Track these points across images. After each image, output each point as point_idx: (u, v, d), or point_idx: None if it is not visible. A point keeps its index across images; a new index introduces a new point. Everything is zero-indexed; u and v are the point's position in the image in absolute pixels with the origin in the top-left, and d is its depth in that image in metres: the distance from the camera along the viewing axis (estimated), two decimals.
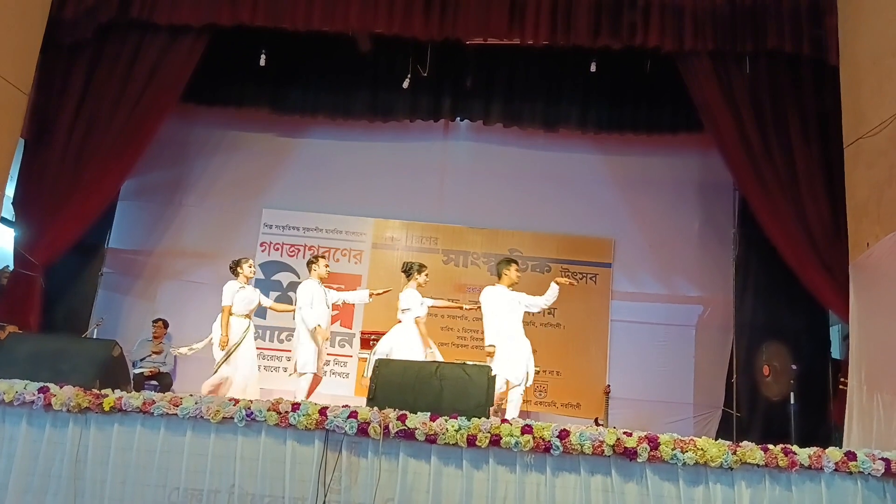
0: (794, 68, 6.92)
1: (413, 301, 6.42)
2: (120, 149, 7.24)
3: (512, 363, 6.11)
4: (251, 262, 6.92)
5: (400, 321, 6.47)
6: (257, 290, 7.01)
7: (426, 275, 6.59)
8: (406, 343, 6.30)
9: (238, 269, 6.77)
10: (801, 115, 6.84)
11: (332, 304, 6.87)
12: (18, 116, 6.92)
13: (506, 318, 6.26)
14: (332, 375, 8.21)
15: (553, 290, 6.41)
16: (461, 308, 7.42)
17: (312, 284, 6.62)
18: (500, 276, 6.47)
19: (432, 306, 6.74)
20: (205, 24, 7.17)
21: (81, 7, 7.24)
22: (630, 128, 8.42)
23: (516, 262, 6.53)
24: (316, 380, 6.60)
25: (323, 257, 6.92)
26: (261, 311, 7.98)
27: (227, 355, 6.50)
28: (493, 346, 6.19)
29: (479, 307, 6.45)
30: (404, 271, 6.66)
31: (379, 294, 7.00)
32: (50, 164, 7.18)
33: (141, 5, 7.15)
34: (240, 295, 6.68)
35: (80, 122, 7.25)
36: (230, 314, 6.59)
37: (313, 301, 6.51)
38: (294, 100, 8.56)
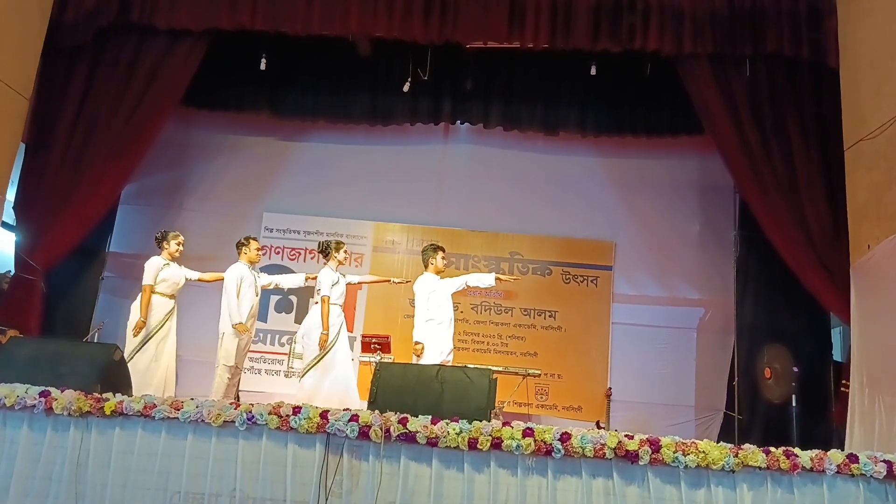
0: (794, 71, 6.93)
1: (324, 280, 6.46)
2: (120, 152, 7.25)
3: (441, 347, 6.36)
4: (180, 238, 6.63)
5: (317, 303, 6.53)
6: (183, 267, 6.73)
7: (345, 251, 6.67)
8: (315, 325, 6.40)
9: (166, 244, 6.51)
10: (801, 118, 6.84)
11: (263, 287, 6.80)
12: (19, 120, 6.93)
13: (435, 306, 6.46)
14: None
15: (489, 278, 6.87)
16: (389, 282, 7.48)
17: (241, 268, 6.53)
18: (426, 265, 6.66)
19: (359, 282, 7.02)
20: (205, 28, 7.18)
21: (81, 11, 7.24)
22: (630, 130, 8.42)
23: (443, 250, 6.72)
24: (236, 373, 6.53)
25: (255, 239, 6.80)
26: (262, 314, 8.00)
27: (144, 342, 6.24)
28: (421, 344, 6.37)
29: (408, 282, 6.88)
30: (321, 251, 6.68)
31: (399, 283, 7.17)
32: (50, 167, 7.19)
33: (141, 9, 7.15)
34: (164, 273, 6.42)
35: (80, 126, 7.26)
36: (151, 293, 6.33)
37: (241, 287, 6.43)
38: (294, 103, 8.56)
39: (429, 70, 7.79)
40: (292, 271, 8.32)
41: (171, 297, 6.50)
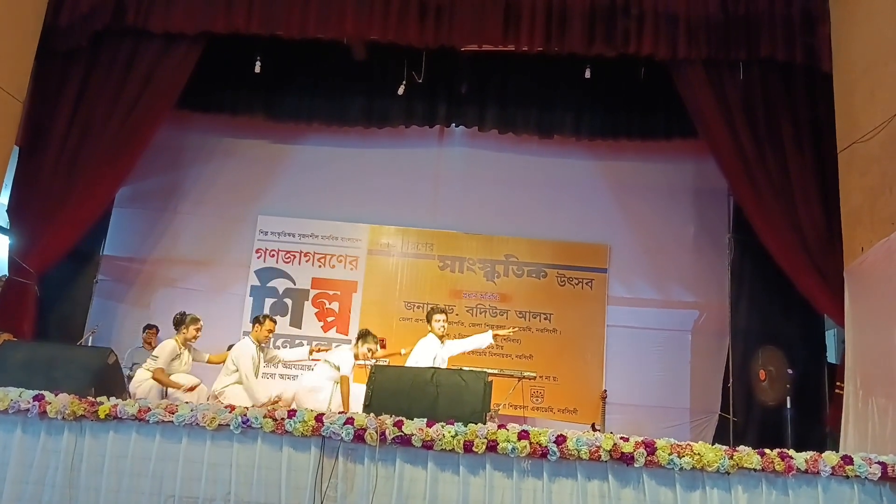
0: (788, 76, 6.96)
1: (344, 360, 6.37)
2: (115, 156, 7.24)
3: None
4: (199, 324, 6.38)
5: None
6: (194, 349, 6.50)
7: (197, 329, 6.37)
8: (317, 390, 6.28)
9: (184, 328, 6.30)
10: (795, 122, 6.88)
11: (266, 361, 6.65)
12: (13, 124, 6.92)
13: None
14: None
15: (486, 338, 6.68)
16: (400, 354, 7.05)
17: (251, 348, 6.35)
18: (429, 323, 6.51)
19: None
20: (200, 31, 7.18)
21: (76, 14, 7.24)
22: (624, 134, 8.44)
23: (445, 313, 6.51)
24: None
25: (273, 320, 6.59)
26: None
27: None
28: None
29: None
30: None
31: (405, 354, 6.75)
32: (44, 171, 7.17)
33: (136, 13, 7.15)
34: (175, 362, 6.26)
35: (74, 130, 7.24)
36: (163, 374, 6.14)
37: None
38: (289, 106, 8.55)
39: (424, 73, 7.80)
40: (287, 274, 8.31)
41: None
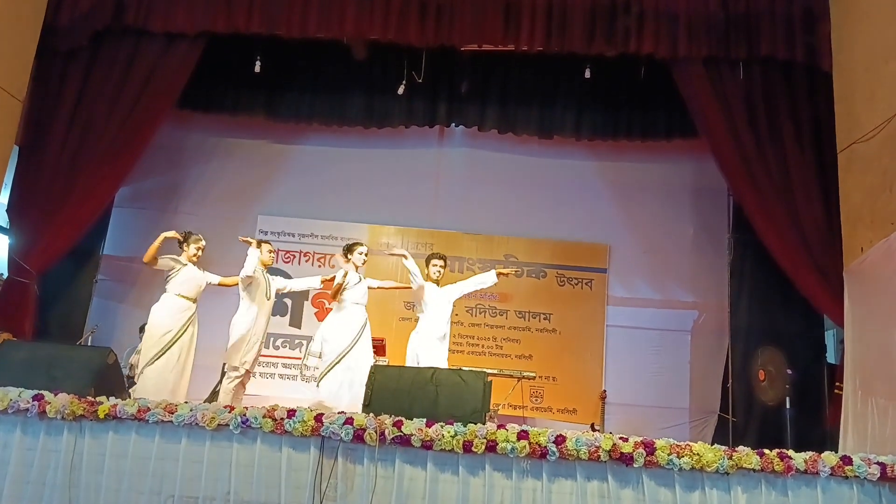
0: (788, 74, 6.96)
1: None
2: (115, 155, 7.23)
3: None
4: (201, 243, 6.44)
5: None
6: (205, 272, 6.50)
7: (360, 253, 6.42)
8: (336, 329, 6.29)
9: (186, 246, 6.37)
10: (795, 121, 6.87)
11: (278, 290, 6.67)
12: (13, 123, 6.91)
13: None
14: None
15: (490, 276, 6.69)
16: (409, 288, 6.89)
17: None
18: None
19: (379, 287, 6.76)
20: (200, 30, 7.18)
21: (76, 14, 7.23)
22: (624, 134, 8.42)
23: (441, 258, 6.61)
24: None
25: (267, 242, 6.72)
26: None
27: (167, 347, 6.00)
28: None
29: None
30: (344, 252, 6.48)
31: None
32: (44, 170, 7.16)
33: (136, 12, 7.16)
34: (184, 273, 6.23)
35: (74, 129, 7.24)
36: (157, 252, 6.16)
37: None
38: (289, 106, 8.54)
39: (424, 73, 7.79)
40: (287, 275, 8.31)
41: (194, 300, 6.27)
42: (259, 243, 6.55)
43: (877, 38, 6.01)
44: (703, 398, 7.97)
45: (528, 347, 8.30)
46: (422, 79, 7.84)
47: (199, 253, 6.46)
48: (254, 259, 6.34)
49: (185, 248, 6.39)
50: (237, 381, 6.36)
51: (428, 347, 6.25)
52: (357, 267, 6.39)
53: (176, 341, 6.07)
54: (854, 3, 6.45)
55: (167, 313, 6.16)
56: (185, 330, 6.15)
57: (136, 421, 4.20)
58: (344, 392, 5.89)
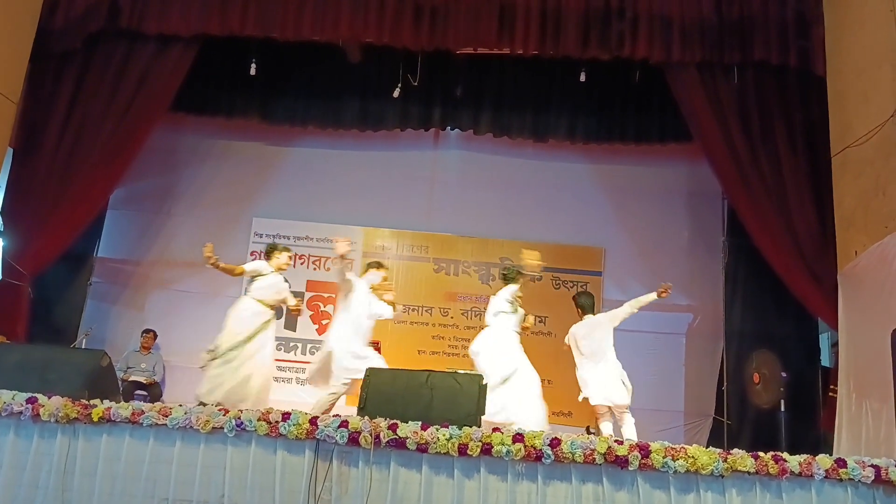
0: (781, 79, 6.98)
1: None
2: (109, 158, 7.21)
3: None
4: (290, 252, 6.29)
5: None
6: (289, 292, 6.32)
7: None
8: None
9: (277, 253, 6.12)
10: (789, 125, 6.90)
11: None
12: (7, 125, 6.89)
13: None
14: None
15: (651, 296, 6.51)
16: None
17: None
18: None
19: None
20: (194, 33, 7.16)
21: (71, 16, 7.22)
22: (619, 138, 8.45)
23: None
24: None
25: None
26: None
27: (234, 347, 5.77)
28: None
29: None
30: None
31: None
32: (38, 173, 7.14)
33: (130, 15, 7.13)
34: (267, 279, 6.04)
35: (69, 131, 7.21)
36: (239, 272, 6.02)
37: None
38: (284, 109, 8.54)
39: (419, 76, 7.81)
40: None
41: (272, 307, 6.08)
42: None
43: (870, 43, 6.04)
44: (698, 401, 7.99)
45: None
46: (417, 82, 7.85)
47: (288, 261, 6.29)
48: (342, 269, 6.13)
49: (276, 256, 6.17)
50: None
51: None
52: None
53: (242, 345, 5.84)
54: (848, 8, 6.48)
55: (239, 316, 5.99)
56: (257, 334, 5.92)
57: (130, 424, 4.18)
58: None
